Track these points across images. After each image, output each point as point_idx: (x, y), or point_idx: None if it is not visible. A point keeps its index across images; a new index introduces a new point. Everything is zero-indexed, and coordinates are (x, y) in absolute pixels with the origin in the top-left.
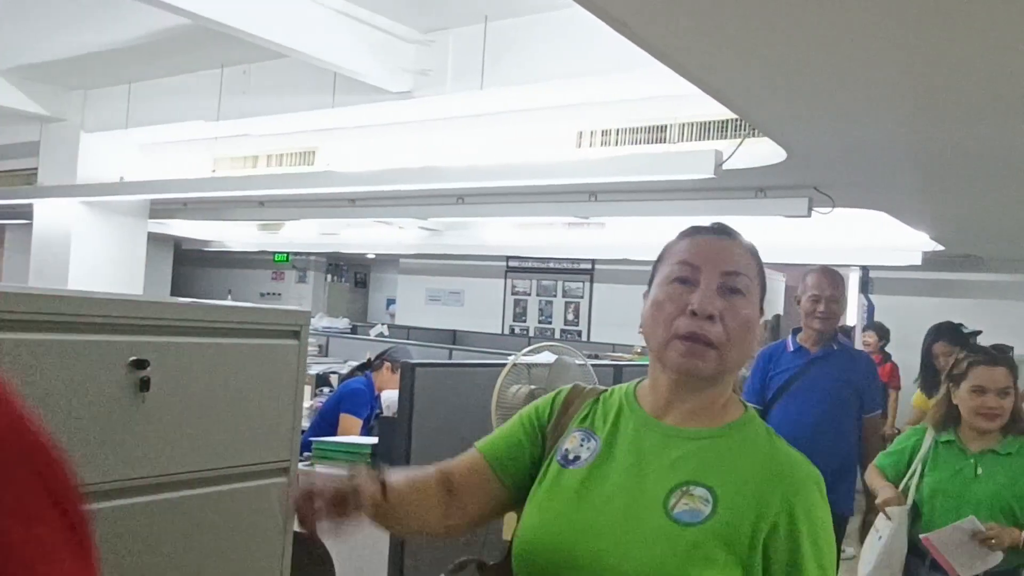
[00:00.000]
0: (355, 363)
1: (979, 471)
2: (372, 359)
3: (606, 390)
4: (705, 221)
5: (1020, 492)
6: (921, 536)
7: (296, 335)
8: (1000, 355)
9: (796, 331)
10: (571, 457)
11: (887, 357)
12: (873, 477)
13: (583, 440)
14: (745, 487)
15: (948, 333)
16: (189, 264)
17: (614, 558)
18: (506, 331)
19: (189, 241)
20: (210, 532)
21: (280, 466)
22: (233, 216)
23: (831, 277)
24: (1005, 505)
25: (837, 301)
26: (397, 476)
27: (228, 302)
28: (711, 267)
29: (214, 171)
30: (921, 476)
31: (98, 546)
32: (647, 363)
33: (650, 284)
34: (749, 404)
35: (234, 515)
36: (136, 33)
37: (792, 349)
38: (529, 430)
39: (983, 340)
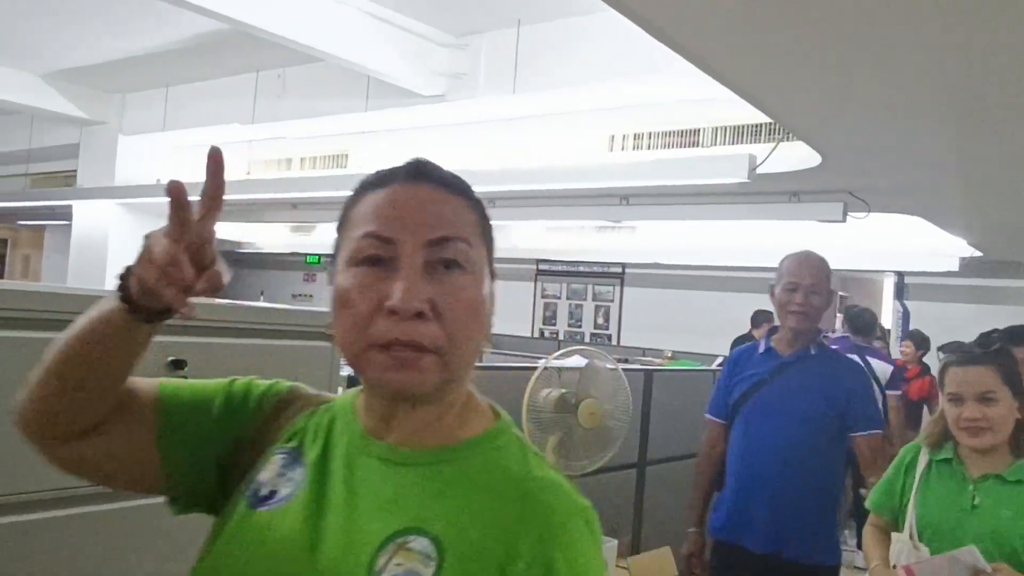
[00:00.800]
0: None
1: (976, 500)
2: None
3: (331, 400)
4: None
5: None
6: (901, 565)
7: (330, 337)
8: (981, 352)
9: (773, 331)
10: (263, 493)
11: (926, 369)
12: (866, 540)
13: (284, 467)
14: (485, 532)
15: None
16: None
17: None
18: (536, 334)
19: (222, 243)
20: None
21: None
22: (266, 218)
23: (811, 263)
24: (1007, 545)
25: (819, 293)
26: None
27: (263, 303)
28: (411, 236)
29: (248, 173)
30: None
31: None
32: (680, 367)
33: (334, 258)
34: (503, 412)
35: None
36: (174, 38)
37: (762, 351)
38: (232, 402)
39: None
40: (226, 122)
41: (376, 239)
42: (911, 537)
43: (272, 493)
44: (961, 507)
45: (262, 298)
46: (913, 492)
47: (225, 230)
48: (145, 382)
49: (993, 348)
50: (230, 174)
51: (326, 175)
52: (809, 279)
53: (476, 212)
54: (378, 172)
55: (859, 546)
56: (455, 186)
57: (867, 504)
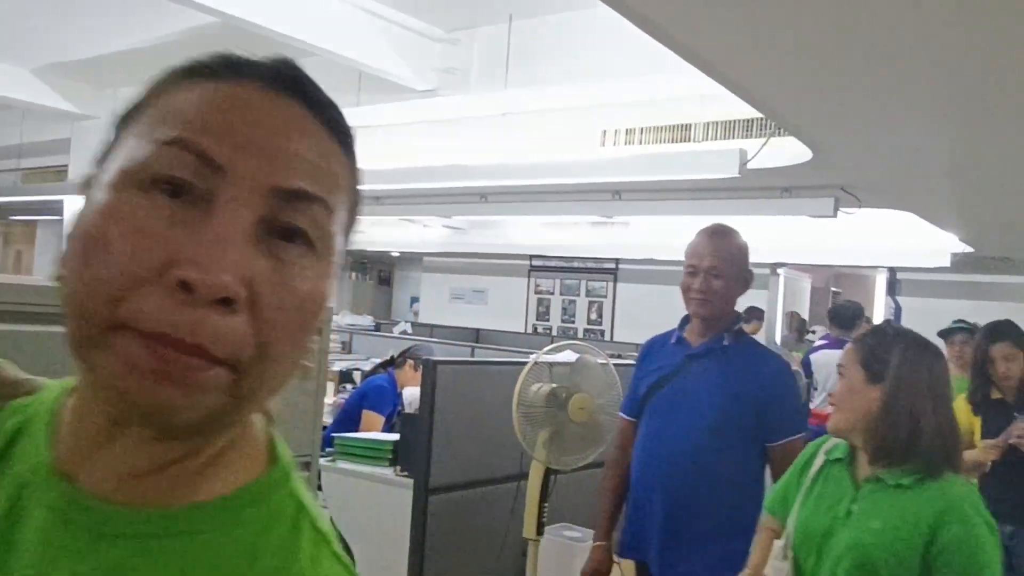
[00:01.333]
0: (378, 360)
1: (853, 507)
2: (395, 356)
3: (35, 390)
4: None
5: (895, 550)
6: None
7: (319, 331)
8: (858, 337)
9: (686, 320)
10: None
11: None
12: (752, 545)
13: None
14: None
15: (1012, 333)
16: None
17: None
18: (529, 330)
19: None
20: None
21: (302, 460)
22: None
23: (713, 243)
24: (867, 563)
25: (721, 276)
26: None
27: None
28: (252, 171)
29: None
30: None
31: None
32: None
33: (99, 165)
34: (284, 451)
35: None
36: (165, 32)
37: (674, 341)
38: None
39: None
40: None
41: (191, 154)
42: (784, 546)
43: None
44: (836, 514)
45: None
46: (800, 494)
47: None
48: None
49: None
50: None
51: None
52: (709, 260)
53: (350, 167)
54: (224, 56)
55: None
56: (334, 120)
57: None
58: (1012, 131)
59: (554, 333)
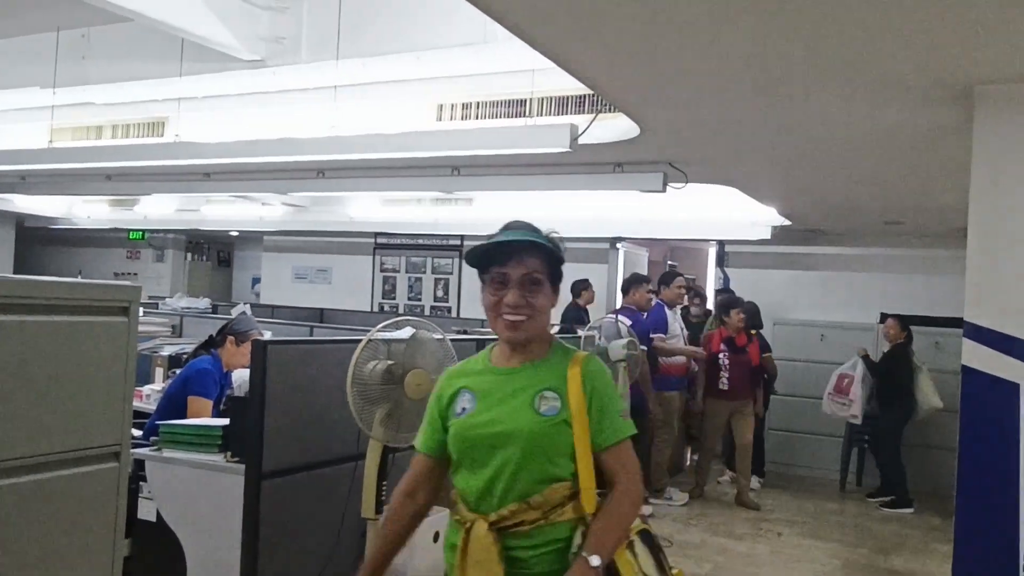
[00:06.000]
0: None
1: None
2: (214, 336)
3: None
4: (561, 194)
5: None
6: None
7: (125, 311)
8: None
9: None
10: None
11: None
12: None
13: None
14: None
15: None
16: (35, 243)
17: None
18: (375, 309)
19: (33, 218)
20: (34, 524)
21: (111, 450)
22: (78, 190)
23: None
24: None
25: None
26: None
27: (47, 277)
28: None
29: (51, 142)
30: None
31: None
32: None
33: None
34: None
35: (61, 504)
36: None
37: None
38: None
39: (823, 312)
40: (24, 86)
41: None
42: None
43: None
44: None
45: (80, 277)
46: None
47: (35, 204)
48: None
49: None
50: (30, 142)
51: (140, 143)
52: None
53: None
54: None
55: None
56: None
57: None
58: (819, 108)
59: (401, 311)
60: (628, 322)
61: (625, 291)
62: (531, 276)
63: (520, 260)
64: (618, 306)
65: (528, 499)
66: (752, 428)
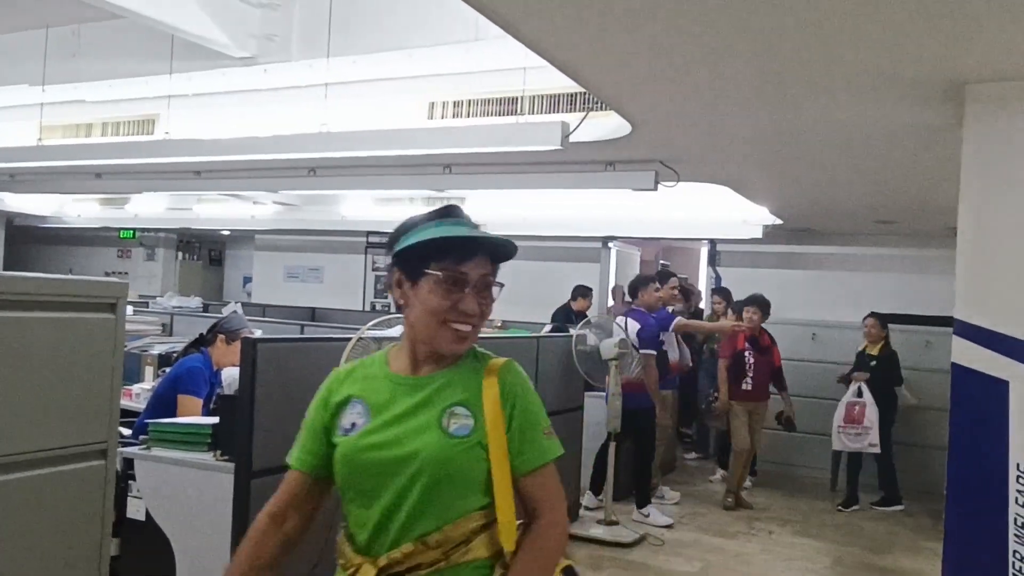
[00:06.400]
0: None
1: None
2: (204, 334)
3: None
4: (552, 193)
5: None
6: None
7: (112, 308)
8: None
9: None
10: None
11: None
12: None
13: None
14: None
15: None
16: (24, 242)
17: None
18: (367, 308)
19: (23, 217)
20: (18, 522)
21: (97, 448)
22: (68, 189)
23: None
24: None
25: None
26: None
27: (33, 273)
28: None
29: (40, 139)
30: None
31: None
32: (509, 335)
33: None
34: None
35: (46, 503)
36: None
37: None
38: None
39: (810, 312)
40: (13, 83)
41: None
42: None
43: None
44: None
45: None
46: None
47: (25, 202)
48: None
49: None
50: (19, 140)
51: (130, 141)
52: None
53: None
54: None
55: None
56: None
57: None
58: (812, 110)
59: (392, 310)
60: (637, 325)
61: (633, 293)
62: (486, 280)
63: (479, 260)
64: (610, 305)
65: (425, 538)
66: (761, 432)
